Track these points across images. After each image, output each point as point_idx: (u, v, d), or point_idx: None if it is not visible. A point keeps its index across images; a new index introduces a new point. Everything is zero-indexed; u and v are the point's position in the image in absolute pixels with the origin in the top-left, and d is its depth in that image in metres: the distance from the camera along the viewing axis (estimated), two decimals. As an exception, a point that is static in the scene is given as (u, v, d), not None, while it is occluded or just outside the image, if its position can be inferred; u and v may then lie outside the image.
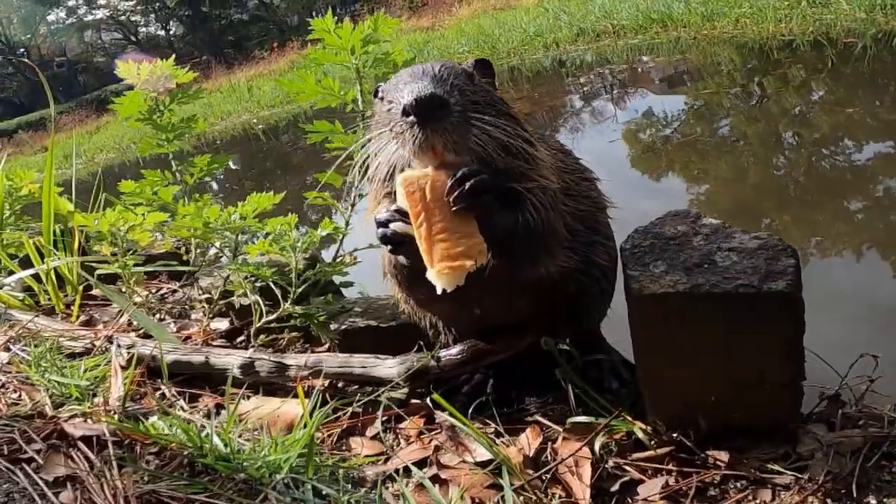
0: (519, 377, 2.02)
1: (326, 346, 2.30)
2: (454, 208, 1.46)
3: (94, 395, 1.95)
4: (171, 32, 46.98)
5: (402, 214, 1.53)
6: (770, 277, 1.44)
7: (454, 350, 1.88)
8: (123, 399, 1.83)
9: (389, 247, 1.58)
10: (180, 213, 2.45)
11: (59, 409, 1.87)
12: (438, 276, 1.44)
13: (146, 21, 47.39)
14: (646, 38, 12.28)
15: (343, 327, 2.18)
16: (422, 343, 1.97)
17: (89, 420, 1.78)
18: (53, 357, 2.13)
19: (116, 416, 1.77)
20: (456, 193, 1.45)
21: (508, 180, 1.58)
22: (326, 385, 2.15)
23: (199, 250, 3.17)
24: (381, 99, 1.64)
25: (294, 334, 2.36)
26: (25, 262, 3.31)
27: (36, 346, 2.29)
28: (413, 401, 2.03)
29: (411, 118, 1.44)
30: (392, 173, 1.56)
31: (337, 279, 2.58)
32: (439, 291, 1.45)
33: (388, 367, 1.95)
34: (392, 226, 1.55)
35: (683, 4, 12.13)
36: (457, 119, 1.46)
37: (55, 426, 1.73)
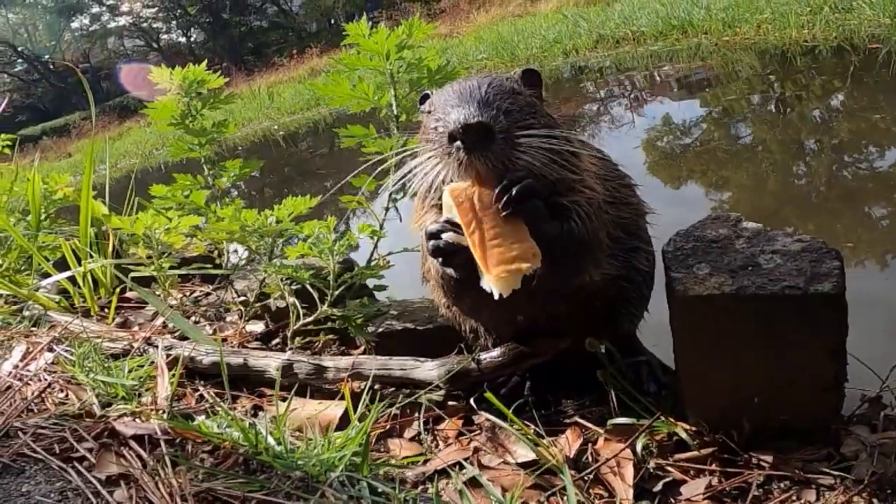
0: (556, 379, 2.03)
1: (362, 348, 2.33)
2: (503, 213, 1.49)
3: (140, 395, 1.99)
4: (192, 39, 47.66)
5: (452, 225, 1.57)
6: (815, 279, 1.45)
7: (495, 353, 1.89)
8: (171, 398, 1.87)
9: (440, 259, 1.62)
10: (216, 217, 2.49)
11: (108, 409, 1.91)
12: (496, 282, 1.46)
13: (168, 28, 48.12)
14: (666, 45, 12.24)
15: (380, 330, 2.21)
16: (462, 345, 1.99)
17: (139, 419, 1.82)
18: (97, 357, 2.17)
19: (166, 415, 1.81)
20: (505, 199, 1.49)
21: (555, 193, 1.61)
22: (362, 388, 2.17)
23: (233, 252, 3.22)
24: (429, 112, 1.68)
25: (330, 337, 2.39)
26: (60, 265, 3.39)
27: (79, 346, 2.34)
28: (451, 403, 2.05)
29: (457, 143, 1.49)
30: (435, 187, 1.61)
31: (371, 282, 2.62)
32: (496, 296, 1.48)
33: (428, 369, 1.97)
34: (444, 236, 1.59)
35: (704, 10, 12.08)
36: (501, 144, 1.51)
37: (105, 425, 1.76)
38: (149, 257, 3.05)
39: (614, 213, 1.80)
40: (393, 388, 2.15)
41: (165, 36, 48.27)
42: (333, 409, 2.04)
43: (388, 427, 1.98)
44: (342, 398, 2.12)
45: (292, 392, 1.90)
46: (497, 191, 1.50)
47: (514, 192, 1.49)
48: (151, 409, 1.85)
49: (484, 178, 1.53)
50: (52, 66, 45.41)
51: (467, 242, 1.51)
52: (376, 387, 2.17)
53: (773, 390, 1.57)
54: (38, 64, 46.31)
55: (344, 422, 1.98)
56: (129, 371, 2.11)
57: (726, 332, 1.52)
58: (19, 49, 45.63)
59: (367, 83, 2.62)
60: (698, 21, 11.91)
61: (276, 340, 2.55)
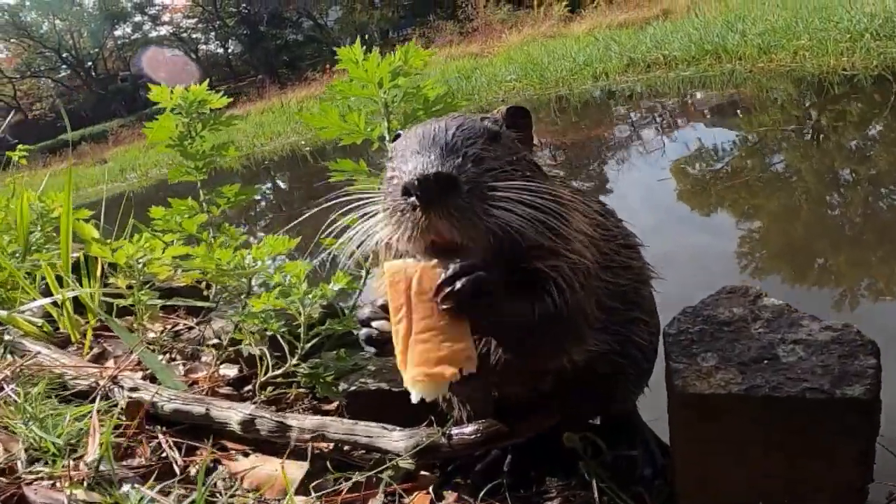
0: (540, 455, 1.80)
1: (335, 404, 2.13)
2: (441, 307, 1.25)
3: (76, 451, 1.80)
4: (230, 51, 48.57)
5: (386, 311, 1.34)
6: (844, 380, 1.21)
7: (468, 429, 1.68)
8: (97, 462, 1.68)
9: (373, 350, 1.40)
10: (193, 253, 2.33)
11: (32, 466, 1.73)
12: (412, 384, 1.23)
13: (206, 39, 49.13)
14: (698, 70, 11.92)
15: (352, 388, 2.01)
16: (433, 418, 1.77)
17: (58, 483, 1.63)
18: (39, 404, 2.00)
19: (86, 483, 1.62)
20: (445, 293, 1.24)
21: (531, 259, 1.36)
22: (332, 447, 1.98)
23: (219, 286, 3.06)
24: (390, 159, 1.44)
25: (302, 390, 2.19)
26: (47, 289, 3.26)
27: (35, 384, 2.18)
28: (423, 473, 1.84)
29: (412, 199, 1.24)
30: (393, 251, 1.37)
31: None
32: (414, 400, 1.25)
33: (395, 439, 1.76)
34: (375, 324, 1.37)
35: (739, 36, 11.75)
36: (467, 201, 1.24)
37: (17, 489, 1.58)
38: (129, 287, 2.90)
39: (610, 279, 1.55)
40: (363, 451, 1.95)
41: (204, 47, 49.30)
42: (294, 472, 1.87)
43: (349, 499, 1.77)
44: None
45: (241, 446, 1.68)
46: (439, 281, 1.25)
47: (457, 285, 1.24)
48: (68, 475, 1.66)
49: (444, 246, 1.28)
50: (93, 73, 46.68)
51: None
52: (346, 447, 1.98)
53: (786, 497, 1.32)
54: (80, 70, 47.60)
55: (304, 484, 1.80)
56: (69, 422, 1.92)
57: (732, 434, 1.28)
58: (64, 55, 46.98)
59: (358, 113, 2.44)
60: (732, 46, 11.57)
61: (249, 387, 2.36)
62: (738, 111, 8.77)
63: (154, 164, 21.03)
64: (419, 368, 1.22)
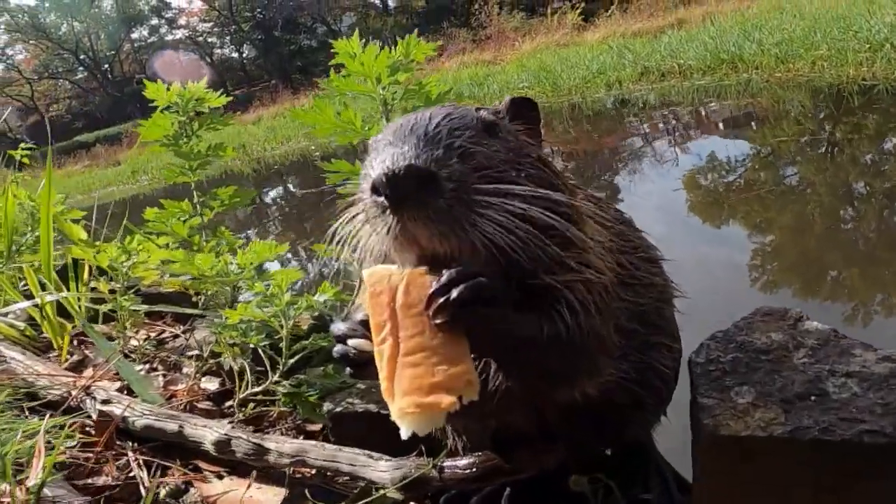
0: (543, 490, 1.61)
1: (320, 425, 1.95)
2: (435, 321, 1.03)
3: (22, 471, 1.62)
4: (244, 55, 48.77)
5: (366, 326, 1.11)
6: (908, 423, 1.01)
7: (462, 462, 1.49)
8: (40, 487, 1.50)
9: (348, 370, 1.17)
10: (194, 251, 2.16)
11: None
12: (401, 417, 1.00)
13: (221, 43, 49.37)
14: (714, 80, 11.69)
15: (338, 409, 1.82)
16: (423, 447, 1.58)
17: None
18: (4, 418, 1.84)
19: None
20: (438, 303, 1.02)
21: (537, 273, 1.13)
22: (314, 472, 1.80)
23: (209, 293, 2.89)
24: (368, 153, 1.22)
25: (285, 409, 2.01)
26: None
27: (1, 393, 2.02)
28: (411, 504, 1.66)
29: (381, 199, 1.03)
30: (376, 256, 1.14)
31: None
32: (404, 436, 1.02)
33: (381, 469, 1.58)
34: (352, 342, 1.14)
35: (756, 45, 11.52)
36: (452, 202, 1.01)
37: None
38: (112, 291, 2.74)
39: (630, 298, 1.33)
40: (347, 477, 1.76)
41: (219, 50, 49.54)
42: (269, 499, 1.73)
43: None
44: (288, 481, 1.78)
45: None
46: (431, 290, 1.03)
47: (453, 294, 1.01)
48: (9, 500, 1.48)
49: (428, 255, 1.07)
50: (110, 76, 47.05)
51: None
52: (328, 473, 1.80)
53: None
54: (97, 73, 47.95)
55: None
56: (21, 439, 1.74)
57: (774, 477, 1.08)
58: (81, 57, 47.37)
59: (355, 111, 2.27)
60: (749, 56, 11.34)
61: (230, 402, 2.18)
62: (753, 123, 8.55)
63: (167, 165, 20.98)
64: (409, 398, 1.00)
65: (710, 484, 1.18)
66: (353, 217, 1.13)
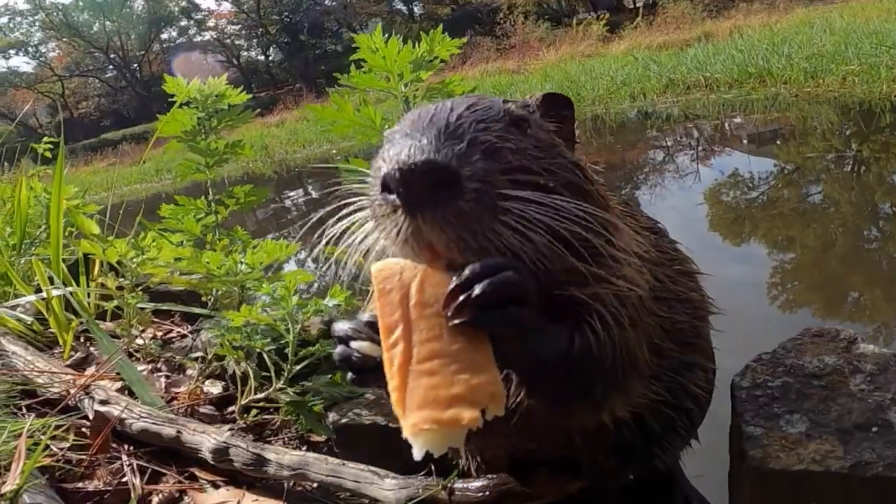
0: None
1: (325, 436, 1.85)
2: (453, 322, 0.90)
3: (1, 474, 1.55)
4: (270, 58, 49.25)
5: (374, 329, 0.97)
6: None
7: (474, 485, 1.38)
8: (15, 494, 1.41)
9: (350, 376, 1.05)
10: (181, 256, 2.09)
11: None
12: (415, 434, 0.86)
13: (248, 45, 49.91)
14: (741, 94, 11.50)
15: (344, 421, 1.72)
16: (433, 466, 1.48)
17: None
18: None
19: None
20: (458, 302, 0.90)
21: (566, 283, 1.02)
22: (315, 486, 1.70)
23: (218, 292, 2.82)
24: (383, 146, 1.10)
25: (290, 418, 1.92)
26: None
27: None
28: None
29: (393, 198, 0.92)
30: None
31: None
32: (416, 456, 0.88)
33: (386, 488, 1.48)
34: (355, 345, 1.02)
35: (785, 59, 11.33)
36: (473, 205, 0.89)
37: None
38: (120, 288, 2.68)
39: (665, 314, 1.21)
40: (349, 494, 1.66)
41: (245, 53, 50.06)
42: None
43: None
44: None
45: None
46: (451, 286, 0.91)
47: (476, 291, 0.89)
48: None
49: (443, 253, 0.94)
50: (138, 75, 47.80)
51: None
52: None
53: None
54: (126, 72, 48.72)
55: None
56: (14, 436, 1.66)
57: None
58: (111, 56, 48.16)
59: (375, 109, 2.19)
60: (778, 70, 11.15)
61: (233, 408, 2.10)
62: (778, 141, 8.37)
63: (181, 164, 21.18)
64: (425, 412, 0.86)
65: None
66: (357, 216, 1.03)
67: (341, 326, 1.06)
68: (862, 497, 0.91)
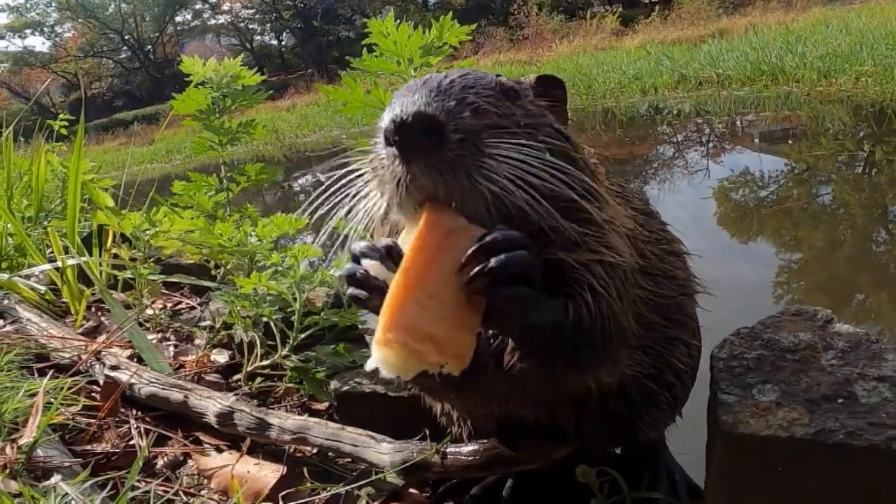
0: (546, 485, 1.56)
1: (326, 403, 1.93)
2: (466, 283, 0.98)
3: (17, 430, 1.62)
4: (283, 43, 49.25)
5: (389, 252, 1.05)
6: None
7: (465, 449, 1.45)
8: (31, 446, 1.49)
9: (351, 292, 1.10)
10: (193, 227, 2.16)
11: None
12: (382, 345, 0.95)
13: (262, 30, 49.93)
14: (752, 91, 11.46)
15: (345, 388, 1.79)
16: (428, 433, 1.54)
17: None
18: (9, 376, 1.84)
19: (10, 469, 1.44)
20: (476, 270, 0.98)
21: (554, 247, 1.09)
22: (315, 450, 1.77)
23: (226, 265, 2.89)
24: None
25: (292, 385, 1.99)
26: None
27: (6, 353, 2.02)
28: (411, 490, 1.62)
29: (391, 150, 1.00)
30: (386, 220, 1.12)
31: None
32: (369, 366, 0.97)
33: (382, 451, 1.55)
34: (365, 263, 1.08)
35: (798, 58, 11.26)
36: (458, 151, 0.98)
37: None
38: (133, 259, 2.76)
39: (651, 288, 1.27)
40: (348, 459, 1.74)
41: (259, 37, 50.09)
42: (267, 476, 1.67)
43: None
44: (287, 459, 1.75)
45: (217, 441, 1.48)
46: (470, 252, 0.98)
47: (492, 263, 0.97)
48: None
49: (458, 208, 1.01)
50: (152, 57, 47.90)
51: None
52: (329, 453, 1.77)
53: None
54: (140, 53, 48.85)
55: (276, 491, 1.62)
56: (21, 397, 1.74)
57: (790, 485, 1.02)
58: (126, 38, 48.28)
59: (385, 91, 2.24)
60: (791, 68, 11.09)
61: (238, 376, 2.17)
62: (790, 140, 8.35)
63: (195, 140, 21.27)
64: (401, 333, 0.95)
65: (725, 484, 1.12)
66: (358, 175, 1.10)
67: (358, 245, 1.12)
68: (826, 462, 0.97)
